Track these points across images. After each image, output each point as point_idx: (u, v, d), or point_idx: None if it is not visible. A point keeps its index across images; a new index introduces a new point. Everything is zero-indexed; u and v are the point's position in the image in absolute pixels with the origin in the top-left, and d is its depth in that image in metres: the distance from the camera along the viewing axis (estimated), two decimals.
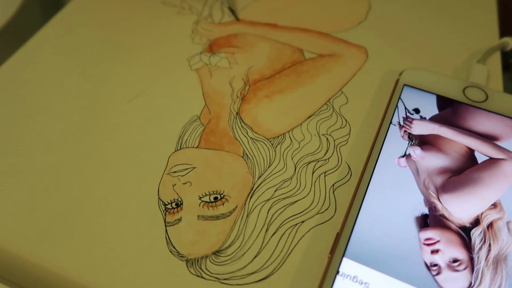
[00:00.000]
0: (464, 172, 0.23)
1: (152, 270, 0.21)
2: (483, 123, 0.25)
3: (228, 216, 0.23)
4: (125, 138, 0.26)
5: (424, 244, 0.20)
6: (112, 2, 0.35)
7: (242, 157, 0.25)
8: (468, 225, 0.21)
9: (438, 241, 0.20)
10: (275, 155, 0.25)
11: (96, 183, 0.24)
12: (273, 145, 0.26)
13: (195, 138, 0.26)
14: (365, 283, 0.19)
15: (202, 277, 0.21)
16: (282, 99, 0.28)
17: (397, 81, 0.27)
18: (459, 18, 0.33)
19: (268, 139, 0.26)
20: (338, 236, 0.21)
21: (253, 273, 0.21)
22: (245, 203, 0.23)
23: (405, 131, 0.24)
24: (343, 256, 0.20)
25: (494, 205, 0.21)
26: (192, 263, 0.21)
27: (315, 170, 0.25)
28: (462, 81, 0.27)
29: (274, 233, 0.22)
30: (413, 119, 0.25)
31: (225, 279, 0.21)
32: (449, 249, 0.20)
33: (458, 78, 0.28)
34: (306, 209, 0.23)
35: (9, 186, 0.24)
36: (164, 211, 0.23)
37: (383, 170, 0.23)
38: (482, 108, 0.25)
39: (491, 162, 0.23)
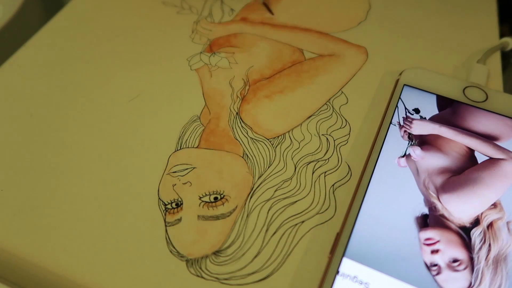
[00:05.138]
0: (464, 172, 0.23)
1: (152, 270, 0.21)
2: (483, 123, 0.25)
3: (228, 216, 0.23)
4: (125, 138, 0.26)
5: (424, 244, 0.20)
6: (112, 2, 0.35)
7: (242, 157, 0.25)
8: (468, 225, 0.21)
9: (438, 241, 0.20)
10: (275, 155, 0.25)
11: (96, 183, 0.24)
12: (273, 145, 0.26)
13: (195, 138, 0.26)
14: (365, 283, 0.19)
15: (202, 277, 0.21)
16: (282, 99, 0.28)
17: (397, 81, 0.27)
18: (459, 18, 0.33)
19: (268, 139, 0.26)
20: (338, 236, 0.21)
21: (253, 273, 0.21)
22: (245, 203, 0.23)
23: (405, 131, 0.24)
24: (343, 256, 0.20)
25: (494, 205, 0.21)
26: (192, 263, 0.21)
27: (315, 170, 0.25)
28: (462, 81, 0.27)
29: (274, 233, 0.22)
30: (413, 119, 0.25)
31: (225, 279, 0.21)
32: (449, 249, 0.20)
33: (458, 78, 0.28)
34: (306, 209, 0.23)
35: (9, 186, 0.24)
36: (164, 211, 0.23)
37: (383, 170, 0.23)
38: (482, 108, 0.25)
39: (491, 162, 0.23)
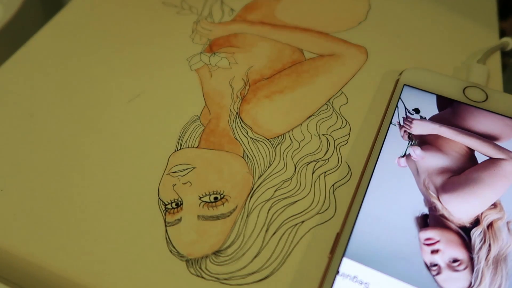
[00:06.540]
0: (464, 172, 0.23)
1: (152, 270, 0.21)
2: (483, 123, 0.25)
3: (228, 216, 0.23)
4: (125, 138, 0.26)
5: (424, 244, 0.20)
6: (112, 2, 0.35)
7: (242, 157, 0.25)
8: (468, 225, 0.21)
9: (438, 241, 0.20)
10: (275, 155, 0.25)
11: (96, 183, 0.24)
12: (273, 145, 0.26)
13: (195, 138, 0.26)
14: (365, 283, 0.19)
15: (202, 277, 0.21)
16: (282, 99, 0.28)
17: (397, 81, 0.27)
18: (459, 18, 0.33)
19: (268, 139, 0.26)
20: (338, 236, 0.21)
21: (253, 273, 0.21)
22: (245, 203, 0.23)
23: (405, 131, 0.24)
24: (343, 256, 0.20)
25: (494, 205, 0.21)
26: (192, 263, 0.21)
27: (315, 170, 0.25)
28: (462, 81, 0.27)
29: (274, 233, 0.22)
30: (413, 119, 0.25)
31: (225, 279, 0.21)
32: (449, 249, 0.20)
33: (458, 78, 0.28)
34: (306, 209, 0.23)
35: (9, 186, 0.24)
36: (164, 211, 0.23)
37: (383, 170, 0.23)
38: (482, 108, 0.25)
39: (491, 162, 0.23)
